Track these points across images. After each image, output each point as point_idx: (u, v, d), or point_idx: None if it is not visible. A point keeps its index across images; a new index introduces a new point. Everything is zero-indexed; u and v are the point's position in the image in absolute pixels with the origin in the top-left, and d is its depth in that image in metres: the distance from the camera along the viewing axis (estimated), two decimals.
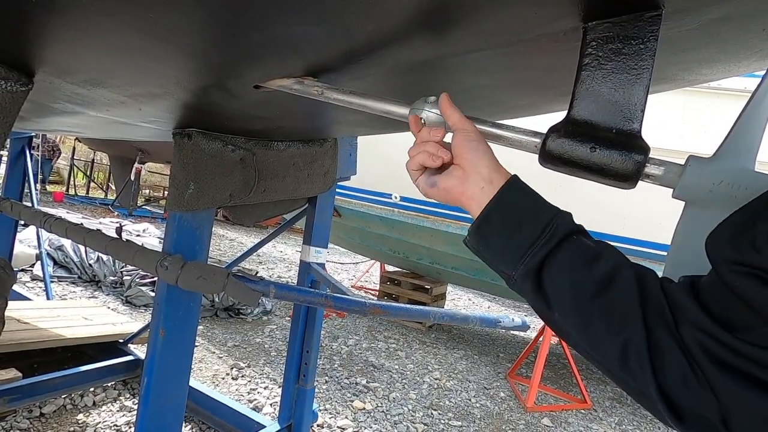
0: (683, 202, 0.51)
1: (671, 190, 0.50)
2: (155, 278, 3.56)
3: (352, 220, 4.75)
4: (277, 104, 1.00)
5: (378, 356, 3.86)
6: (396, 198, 4.27)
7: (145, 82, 0.89)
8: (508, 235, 0.48)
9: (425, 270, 5.04)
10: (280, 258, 8.06)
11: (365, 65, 0.73)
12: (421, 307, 1.55)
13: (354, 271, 7.77)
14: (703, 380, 0.36)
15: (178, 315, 1.41)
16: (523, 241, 0.47)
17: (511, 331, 4.76)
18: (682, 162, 0.49)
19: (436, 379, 3.58)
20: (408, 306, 1.54)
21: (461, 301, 6.60)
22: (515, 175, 0.51)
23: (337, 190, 2.25)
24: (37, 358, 2.58)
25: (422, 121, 0.62)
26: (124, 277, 4.42)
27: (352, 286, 6.54)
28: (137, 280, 4.31)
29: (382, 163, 3.91)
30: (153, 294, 4.18)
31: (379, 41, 0.64)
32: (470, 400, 3.31)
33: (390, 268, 5.67)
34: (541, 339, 3.60)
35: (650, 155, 0.49)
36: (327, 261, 2.07)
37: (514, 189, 0.50)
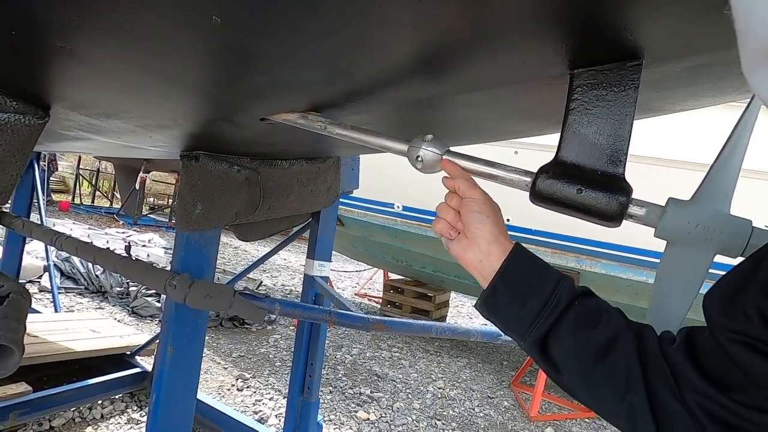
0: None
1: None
2: None
3: (355, 229, 4.78)
4: (281, 132, 1.04)
5: (382, 365, 3.88)
6: (398, 207, 4.31)
7: (155, 115, 0.93)
8: (515, 308, 0.51)
9: (428, 278, 5.06)
10: (284, 266, 8.10)
11: (366, 102, 0.77)
12: (423, 322, 1.57)
13: (357, 279, 7.79)
14: None
15: (186, 332, 1.45)
16: (529, 313, 0.50)
17: None
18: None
19: (439, 389, 3.59)
20: (410, 321, 1.57)
21: (464, 308, 6.60)
22: (517, 244, 0.53)
23: (340, 200, 2.29)
24: (47, 371, 2.62)
25: (419, 159, 0.65)
26: (130, 288, 4.46)
27: (355, 294, 6.56)
28: (143, 291, 4.36)
29: (384, 173, 3.95)
30: (159, 304, 4.22)
31: (378, 82, 0.68)
32: (474, 409, 3.32)
33: (393, 276, 5.69)
34: None
35: (632, 197, 0.52)
36: (330, 269, 2.10)
37: (517, 260, 0.52)
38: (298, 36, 0.54)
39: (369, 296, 6.41)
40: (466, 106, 0.79)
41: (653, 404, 0.42)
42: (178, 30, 0.55)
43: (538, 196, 0.56)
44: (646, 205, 0.53)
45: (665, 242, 0.53)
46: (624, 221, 0.54)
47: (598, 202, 0.52)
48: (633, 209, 0.53)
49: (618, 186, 0.53)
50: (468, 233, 0.55)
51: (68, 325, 2.99)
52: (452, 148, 0.66)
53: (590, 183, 0.53)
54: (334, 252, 2.32)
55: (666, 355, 0.44)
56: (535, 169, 0.58)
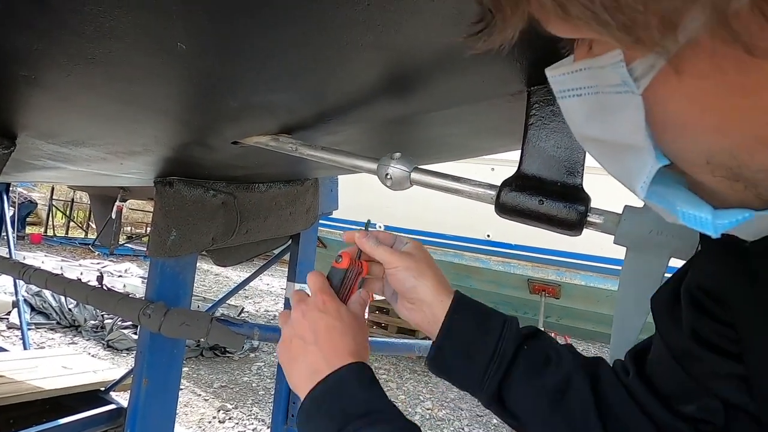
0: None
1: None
2: None
3: (336, 249, 4.75)
4: (255, 155, 1.05)
5: None
6: (380, 227, 4.32)
7: (126, 142, 0.93)
8: (463, 366, 0.48)
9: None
10: (267, 291, 7.96)
11: (337, 123, 0.78)
12: (407, 341, 1.57)
13: None
14: None
15: (162, 362, 1.40)
16: (477, 370, 0.47)
17: None
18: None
19: (428, 410, 3.53)
20: (394, 340, 1.56)
21: None
22: (456, 296, 0.50)
23: (321, 221, 2.29)
24: (14, 412, 2.47)
25: (388, 176, 0.67)
26: (105, 321, 4.31)
27: None
28: (119, 323, 4.21)
29: (365, 193, 3.97)
30: (136, 337, 4.08)
31: (348, 104, 0.70)
32: (463, 429, 3.28)
33: (378, 296, 5.64)
34: None
35: (591, 205, 0.55)
36: None
37: (458, 313, 0.49)
38: (264, 60, 0.56)
39: None
40: (433, 124, 0.81)
41: None
42: (145, 57, 0.55)
43: (503, 209, 0.58)
44: (604, 213, 0.55)
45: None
46: (585, 230, 0.56)
47: (559, 212, 0.54)
48: (592, 218, 0.55)
49: (577, 196, 0.55)
50: (408, 300, 0.52)
51: (38, 362, 2.85)
52: (422, 167, 0.68)
53: (551, 194, 0.55)
54: None
55: (627, 387, 0.43)
56: None
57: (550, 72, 0.29)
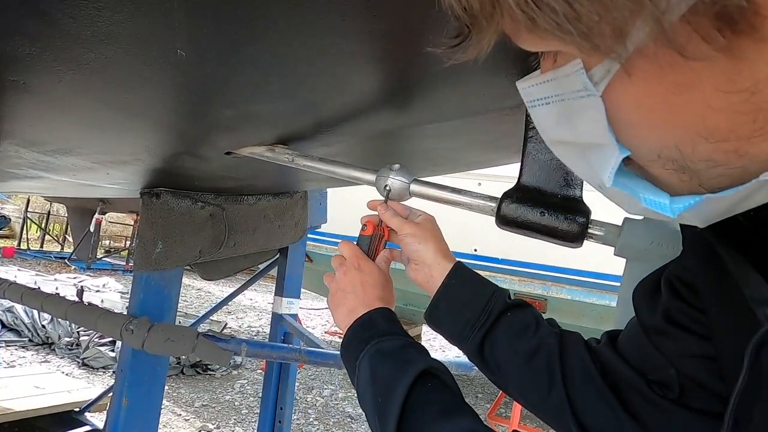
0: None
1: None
2: None
3: (324, 264, 4.71)
4: (247, 166, 1.04)
5: (355, 406, 3.73)
6: None
7: (115, 151, 0.90)
8: (453, 319, 0.57)
9: (400, 312, 4.97)
10: (250, 306, 7.80)
11: (334, 134, 0.78)
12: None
13: (327, 316, 7.59)
14: (624, 414, 0.44)
15: (144, 381, 1.35)
16: (465, 323, 0.55)
17: None
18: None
19: None
20: None
21: (437, 341, 6.53)
22: (457, 263, 0.59)
23: (309, 235, 2.26)
24: None
25: (387, 188, 0.66)
26: (81, 338, 4.14)
27: (325, 332, 6.37)
28: (95, 340, 4.05)
29: (352, 207, 3.96)
30: (113, 354, 3.93)
31: (345, 114, 0.70)
32: None
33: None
34: None
35: (592, 217, 0.55)
36: (299, 307, 2.04)
37: (456, 277, 0.58)
38: (265, 70, 0.55)
39: (339, 334, 6.22)
40: (430, 137, 0.82)
41: (572, 399, 0.47)
42: (143, 63, 0.54)
43: (504, 220, 0.58)
44: (605, 225, 0.55)
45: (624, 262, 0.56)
46: (586, 242, 0.56)
47: (561, 223, 0.55)
48: (593, 230, 0.55)
49: (577, 208, 0.55)
50: (413, 260, 0.61)
51: (7, 382, 2.71)
52: (420, 178, 0.68)
53: (551, 206, 0.56)
54: (303, 289, 2.27)
55: (592, 350, 0.49)
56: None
57: (520, 84, 0.32)
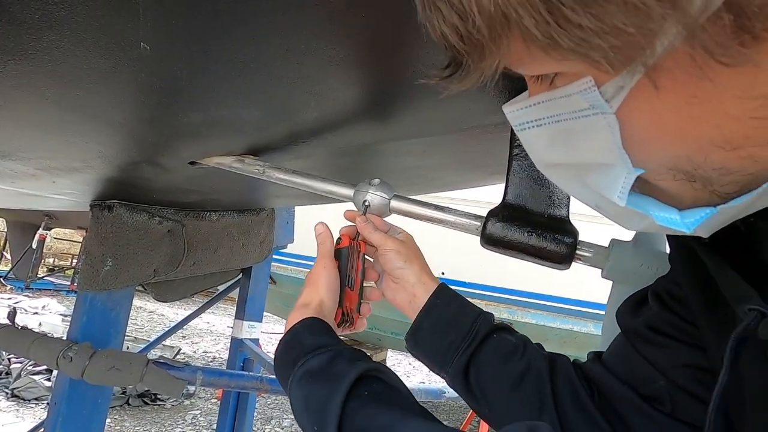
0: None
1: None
2: None
3: (288, 287, 4.56)
4: (212, 178, 0.97)
5: None
6: None
7: (63, 156, 0.82)
8: (437, 341, 0.53)
9: (364, 336, 4.89)
10: (207, 330, 7.40)
11: (309, 145, 0.74)
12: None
13: None
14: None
15: (81, 415, 1.20)
16: (449, 345, 0.52)
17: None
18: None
19: None
20: None
21: (401, 367, 6.42)
22: (441, 284, 0.56)
23: (274, 255, 2.17)
24: None
25: (366, 203, 0.63)
26: (12, 366, 3.75)
27: None
28: (29, 368, 3.68)
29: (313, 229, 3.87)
30: (49, 384, 3.58)
31: (323, 125, 0.66)
32: None
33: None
34: None
35: (580, 239, 0.53)
36: (261, 332, 1.93)
37: (441, 298, 0.55)
38: (239, 70, 0.51)
39: None
40: (411, 154, 0.79)
41: (564, 423, 0.46)
42: (99, 56, 0.49)
43: (489, 240, 0.56)
44: (593, 246, 0.54)
45: (592, 288, 0.54)
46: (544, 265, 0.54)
47: (548, 244, 0.53)
48: (581, 251, 0.54)
49: (565, 228, 0.53)
50: (394, 279, 0.58)
51: None
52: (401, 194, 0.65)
53: (539, 226, 0.54)
54: (265, 313, 2.16)
55: (581, 368, 0.48)
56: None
57: (507, 108, 0.31)
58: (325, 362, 0.45)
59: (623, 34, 0.20)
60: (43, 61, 0.49)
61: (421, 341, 0.55)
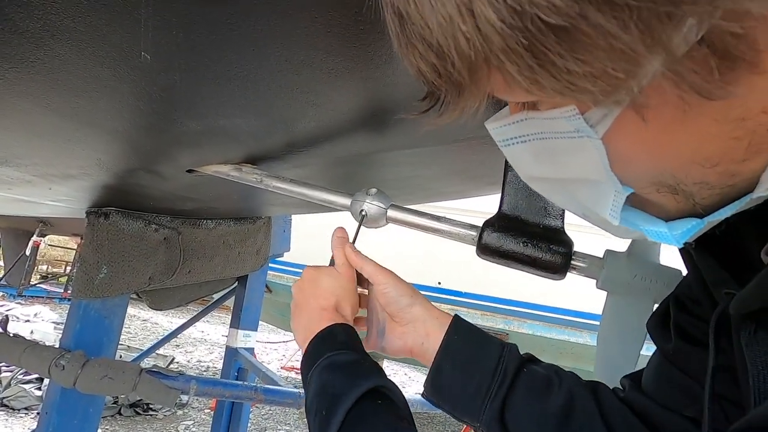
0: None
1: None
2: None
3: (284, 295, 4.53)
4: (210, 186, 0.97)
5: None
6: None
7: (61, 164, 0.82)
8: (463, 383, 0.47)
9: None
10: (201, 339, 7.33)
11: (306, 155, 0.74)
12: None
13: (284, 350, 7.25)
14: None
15: (72, 425, 1.18)
16: (478, 388, 0.46)
17: None
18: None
19: None
20: None
21: (398, 377, 6.37)
22: (455, 317, 0.50)
23: (270, 264, 2.16)
24: None
25: (362, 213, 0.63)
26: (1, 374, 3.69)
27: (282, 368, 6.06)
28: (19, 376, 3.62)
29: (315, 235, 3.87)
30: (39, 393, 3.52)
31: (320, 135, 0.67)
32: None
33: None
34: None
35: (575, 249, 0.54)
36: (255, 341, 1.91)
37: (457, 334, 0.49)
38: (238, 80, 0.52)
39: (297, 369, 5.95)
40: (406, 164, 0.80)
41: None
42: (100, 65, 0.49)
43: (485, 250, 0.56)
44: (588, 257, 0.54)
45: (592, 298, 0.55)
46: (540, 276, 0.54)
47: (544, 254, 0.53)
48: (576, 261, 0.54)
49: (560, 238, 0.54)
50: (398, 320, 0.52)
51: None
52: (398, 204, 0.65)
53: (534, 236, 0.54)
54: (260, 322, 2.14)
55: (625, 401, 0.45)
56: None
57: (489, 125, 0.31)
58: (352, 361, 0.46)
59: (611, 77, 0.20)
60: (44, 69, 0.50)
61: (443, 387, 0.48)
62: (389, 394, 0.43)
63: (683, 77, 0.20)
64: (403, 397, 0.45)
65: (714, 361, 0.30)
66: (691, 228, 0.28)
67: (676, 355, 0.41)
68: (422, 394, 0.50)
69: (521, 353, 0.49)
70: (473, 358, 0.47)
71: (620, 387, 0.47)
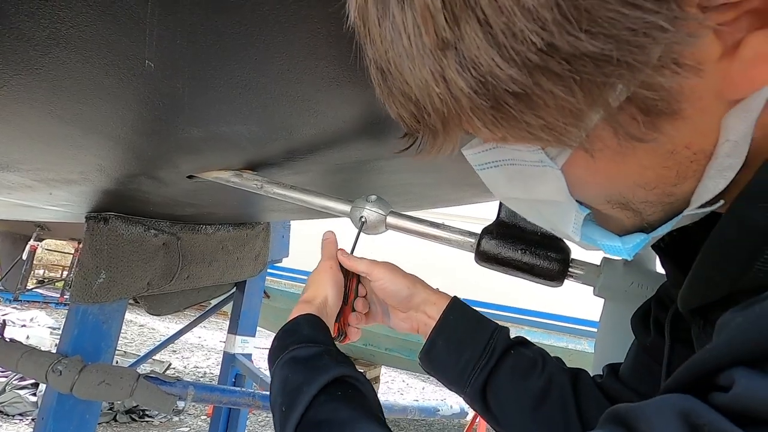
0: None
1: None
2: None
3: (282, 301, 4.52)
4: (210, 192, 0.98)
5: None
6: None
7: (62, 169, 0.82)
8: (453, 359, 0.52)
9: (359, 352, 4.83)
10: (198, 344, 7.28)
11: (306, 161, 0.75)
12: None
13: None
14: None
15: (69, 431, 1.18)
16: (466, 363, 0.51)
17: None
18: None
19: None
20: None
21: (395, 384, 6.33)
22: (454, 298, 0.55)
23: (268, 270, 2.16)
24: None
25: (362, 219, 0.63)
26: None
27: None
28: (14, 382, 3.60)
29: (313, 241, 3.86)
30: (35, 399, 3.49)
31: (321, 142, 0.67)
32: None
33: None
34: (477, 421, 3.51)
35: (572, 256, 0.54)
36: (253, 347, 1.91)
37: (454, 313, 0.54)
38: (240, 88, 0.52)
39: None
40: (404, 171, 0.81)
41: None
42: (104, 73, 0.50)
43: (484, 257, 0.56)
44: (585, 264, 0.55)
45: (584, 305, 0.55)
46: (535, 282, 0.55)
47: (541, 261, 0.54)
48: (573, 269, 0.55)
49: (557, 246, 0.54)
50: (402, 309, 0.56)
51: None
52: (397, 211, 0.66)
53: (532, 243, 0.55)
54: (258, 327, 2.14)
55: (601, 387, 0.48)
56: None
57: (465, 151, 0.34)
58: (313, 354, 0.47)
59: (561, 128, 0.25)
60: (48, 76, 0.50)
61: (435, 360, 0.53)
62: (352, 381, 0.44)
63: (619, 126, 0.25)
64: (367, 382, 0.46)
65: (669, 352, 0.35)
66: (640, 242, 0.33)
67: (653, 348, 0.44)
68: (418, 358, 0.55)
69: (513, 336, 0.53)
70: (465, 336, 0.52)
71: (600, 374, 0.51)
